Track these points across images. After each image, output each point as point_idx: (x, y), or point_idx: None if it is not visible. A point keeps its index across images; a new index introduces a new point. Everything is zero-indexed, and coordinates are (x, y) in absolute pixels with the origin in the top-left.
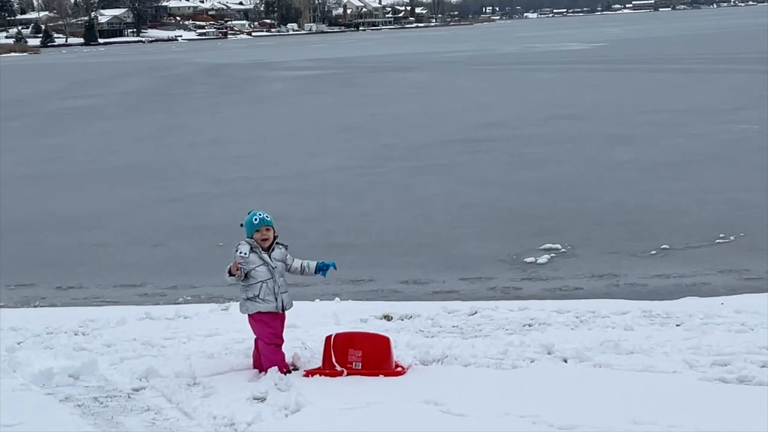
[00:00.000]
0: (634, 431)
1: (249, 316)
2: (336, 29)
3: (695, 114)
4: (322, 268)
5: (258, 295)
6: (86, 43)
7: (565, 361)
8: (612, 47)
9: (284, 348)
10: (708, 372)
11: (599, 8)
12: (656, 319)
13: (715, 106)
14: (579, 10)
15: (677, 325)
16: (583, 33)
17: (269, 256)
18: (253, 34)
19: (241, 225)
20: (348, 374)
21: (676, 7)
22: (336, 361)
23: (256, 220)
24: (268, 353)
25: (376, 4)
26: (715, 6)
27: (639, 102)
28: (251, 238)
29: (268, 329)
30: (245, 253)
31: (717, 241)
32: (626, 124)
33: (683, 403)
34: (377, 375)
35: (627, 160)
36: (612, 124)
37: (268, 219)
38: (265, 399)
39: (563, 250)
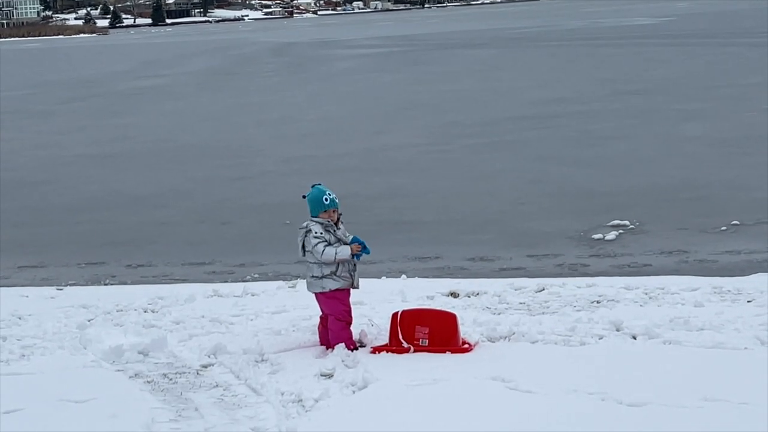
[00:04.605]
0: (704, 408)
1: (321, 294)
2: (402, 7)
3: (766, 88)
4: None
5: (335, 272)
6: (154, 24)
7: (634, 338)
8: (681, 21)
9: (351, 325)
10: None
11: None
12: (727, 295)
13: None
14: None
15: (748, 302)
16: (651, 7)
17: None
18: (318, 12)
19: (304, 197)
20: (415, 351)
21: None
22: (403, 338)
23: (326, 200)
24: (338, 329)
25: None
26: None
27: (708, 76)
28: (317, 216)
29: (342, 306)
30: (320, 233)
31: None
32: (695, 98)
33: (755, 380)
34: (444, 352)
35: (696, 135)
36: (680, 99)
37: (337, 201)
38: (332, 375)
39: (631, 226)
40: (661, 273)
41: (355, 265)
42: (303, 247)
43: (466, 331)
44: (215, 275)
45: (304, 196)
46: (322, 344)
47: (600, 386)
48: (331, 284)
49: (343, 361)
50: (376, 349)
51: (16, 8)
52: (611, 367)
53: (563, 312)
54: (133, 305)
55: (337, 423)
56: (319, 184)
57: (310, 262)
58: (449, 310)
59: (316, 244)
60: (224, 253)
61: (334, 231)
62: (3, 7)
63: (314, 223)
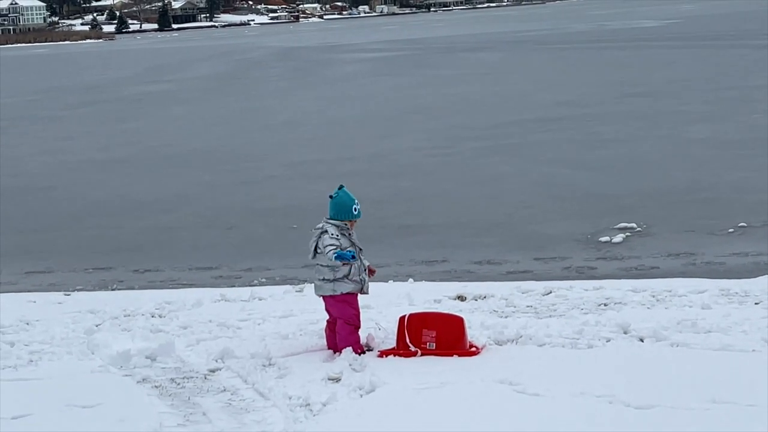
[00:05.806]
0: (712, 410)
1: (331, 297)
2: (407, 10)
3: None
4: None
5: (347, 276)
6: (160, 29)
7: (642, 341)
8: (686, 24)
9: (360, 329)
10: None
11: None
12: (734, 297)
13: None
14: None
15: (756, 304)
16: (657, 10)
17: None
18: (324, 17)
19: (331, 197)
20: (422, 355)
21: None
22: (410, 342)
23: (355, 210)
24: (346, 333)
25: None
26: None
27: (714, 79)
28: (338, 220)
29: (352, 310)
30: (336, 235)
31: None
32: (701, 101)
33: (762, 382)
34: (451, 355)
35: (703, 137)
36: (687, 101)
37: (361, 213)
38: (339, 379)
39: (638, 228)
40: (668, 275)
41: (366, 270)
42: (315, 248)
43: (473, 334)
44: (222, 280)
45: (331, 196)
46: (329, 348)
47: (607, 389)
48: (342, 287)
49: (350, 365)
50: (384, 353)
51: (22, 14)
52: (619, 369)
53: (570, 315)
54: (141, 310)
55: (344, 427)
56: (344, 187)
57: (321, 265)
58: (456, 314)
59: (330, 251)
60: (231, 258)
61: (349, 235)
62: (9, 14)
63: (330, 225)
